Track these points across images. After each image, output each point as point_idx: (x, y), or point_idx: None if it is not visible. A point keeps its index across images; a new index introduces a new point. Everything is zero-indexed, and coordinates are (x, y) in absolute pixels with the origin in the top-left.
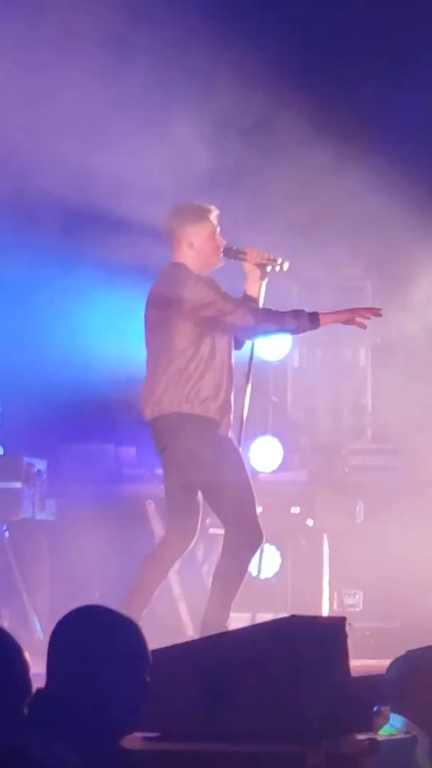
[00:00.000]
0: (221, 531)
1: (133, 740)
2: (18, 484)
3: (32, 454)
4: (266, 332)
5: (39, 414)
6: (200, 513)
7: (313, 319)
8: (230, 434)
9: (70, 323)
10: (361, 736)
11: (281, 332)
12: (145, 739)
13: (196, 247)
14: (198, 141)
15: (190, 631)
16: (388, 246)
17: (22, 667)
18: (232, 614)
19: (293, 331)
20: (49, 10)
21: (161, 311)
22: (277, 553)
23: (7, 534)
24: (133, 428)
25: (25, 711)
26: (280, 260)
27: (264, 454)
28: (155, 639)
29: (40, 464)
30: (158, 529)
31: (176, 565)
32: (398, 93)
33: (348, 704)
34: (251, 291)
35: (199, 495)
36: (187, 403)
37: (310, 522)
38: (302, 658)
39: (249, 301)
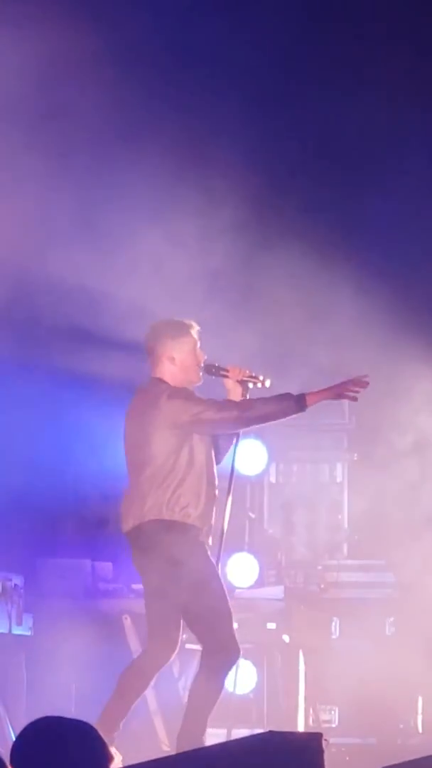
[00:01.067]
0: (198, 647)
1: None
2: None
3: (9, 569)
4: (251, 420)
5: (15, 529)
6: (181, 626)
7: (300, 401)
8: (210, 542)
9: (47, 439)
10: None
11: (267, 418)
12: None
13: (177, 362)
14: (179, 251)
15: (165, 746)
16: (367, 362)
17: None
18: (207, 729)
19: (279, 415)
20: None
21: (139, 425)
22: (253, 669)
23: None
24: (109, 543)
25: None
26: (261, 377)
27: (240, 570)
28: (131, 754)
29: (17, 579)
30: (134, 643)
31: (152, 680)
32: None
33: None
34: None
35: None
36: (168, 510)
37: (286, 638)
38: None
39: None
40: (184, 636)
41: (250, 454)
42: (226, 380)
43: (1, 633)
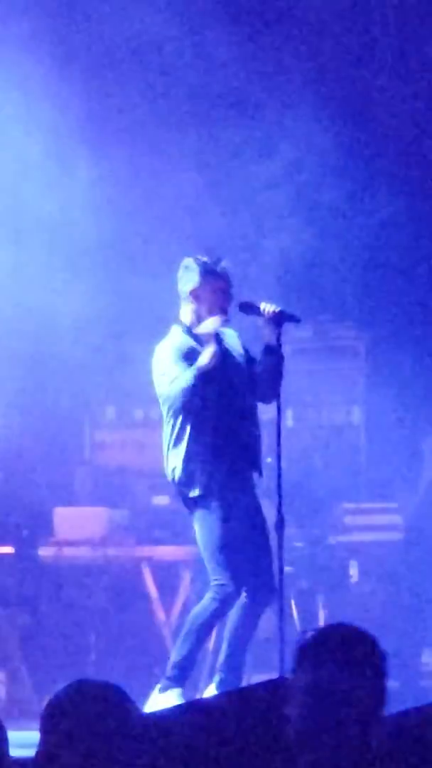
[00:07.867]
0: None
1: None
2: None
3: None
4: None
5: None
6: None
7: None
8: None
9: None
10: None
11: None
12: None
13: (200, 301)
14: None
15: None
16: (380, 306)
17: None
18: None
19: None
20: None
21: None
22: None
23: None
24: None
25: None
26: (293, 314)
27: None
28: None
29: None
30: (153, 591)
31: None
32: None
33: None
34: (269, 341)
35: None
36: (179, 477)
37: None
38: None
39: (268, 350)
40: None
41: None
42: (259, 319)
43: None
